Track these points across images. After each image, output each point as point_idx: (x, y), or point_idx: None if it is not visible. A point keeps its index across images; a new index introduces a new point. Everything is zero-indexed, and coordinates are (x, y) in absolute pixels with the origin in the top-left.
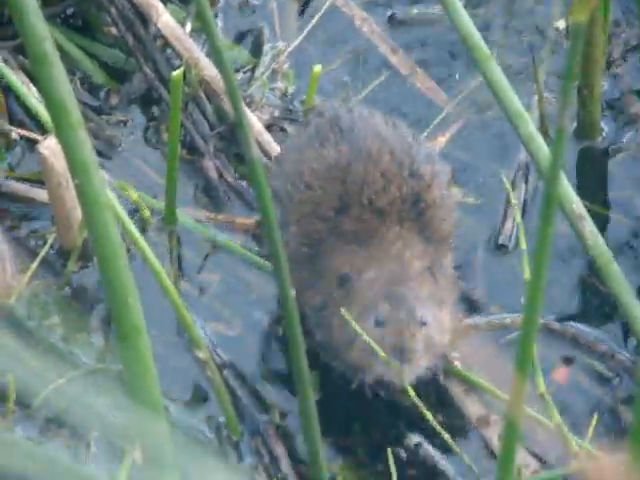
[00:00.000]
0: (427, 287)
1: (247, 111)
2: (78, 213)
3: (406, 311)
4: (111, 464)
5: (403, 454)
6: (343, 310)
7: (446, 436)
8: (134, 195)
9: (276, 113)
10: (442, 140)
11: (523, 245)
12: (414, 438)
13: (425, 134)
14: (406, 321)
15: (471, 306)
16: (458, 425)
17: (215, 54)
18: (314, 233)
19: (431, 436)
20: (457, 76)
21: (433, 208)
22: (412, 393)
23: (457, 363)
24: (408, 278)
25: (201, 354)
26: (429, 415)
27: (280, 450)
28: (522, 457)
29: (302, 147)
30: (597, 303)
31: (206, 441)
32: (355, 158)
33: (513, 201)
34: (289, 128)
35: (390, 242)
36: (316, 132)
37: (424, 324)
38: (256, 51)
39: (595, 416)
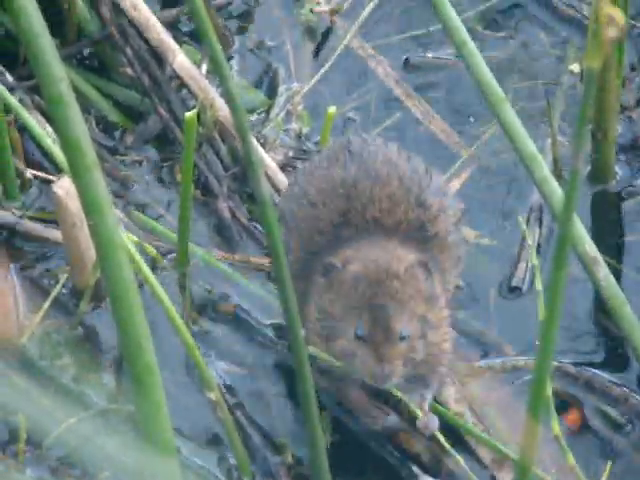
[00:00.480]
0: (415, 284)
1: (261, 151)
2: (92, 253)
3: (385, 329)
4: None
5: None
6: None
7: (462, 478)
8: (148, 248)
9: (290, 154)
10: (456, 183)
11: (539, 286)
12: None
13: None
14: (384, 339)
15: (485, 348)
16: (472, 468)
17: (227, 94)
18: (312, 245)
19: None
20: (471, 119)
21: (437, 241)
22: (442, 440)
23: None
24: (395, 274)
25: (212, 395)
26: (460, 461)
27: None
28: None
29: (312, 169)
30: (611, 347)
31: None
32: (362, 177)
33: (529, 242)
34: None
35: (386, 241)
36: (327, 156)
37: (403, 338)
38: (271, 92)
39: (609, 462)
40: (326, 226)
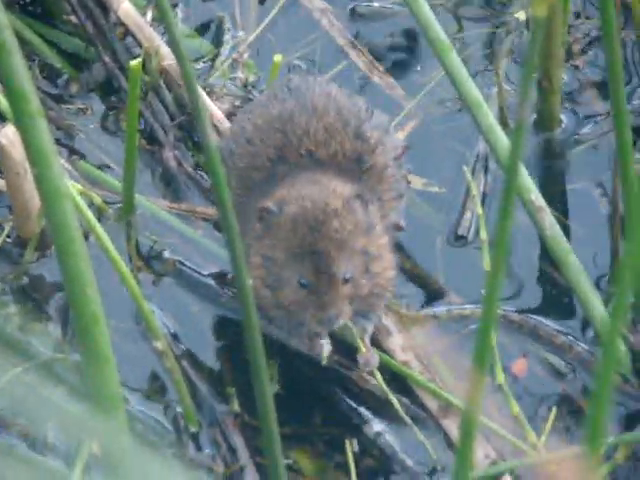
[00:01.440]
0: (354, 219)
1: (207, 100)
2: (36, 202)
3: (328, 276)
4: (68, 455)
5: (363, 443)
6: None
7: (408, 425)
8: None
9: (236, 102)
10: (401, 134)
11: (483, 236)
12: (374, 427)
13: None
14: (328, 286)
15: (431, 296)
16: (417, 415)
17: (172, 42)
18: (249, 181)
19: (391, 426)
20: (418, 67)
21: (374, 173)
22: (379, 377)
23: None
24: (334, 212)
25: (159, 344)
26: (394, 400)
27: (238, 440)
28: (481, 448)
29: (251, 108)
30: (556, 295)
31: (164, 431)
32: (299, 111)
33: (473, 192)
34: None
35: (320, 175)
36: (267, 95)
37: (347, 280)
38: (217, 41)
39: (553, 408)
40: (262, 162)
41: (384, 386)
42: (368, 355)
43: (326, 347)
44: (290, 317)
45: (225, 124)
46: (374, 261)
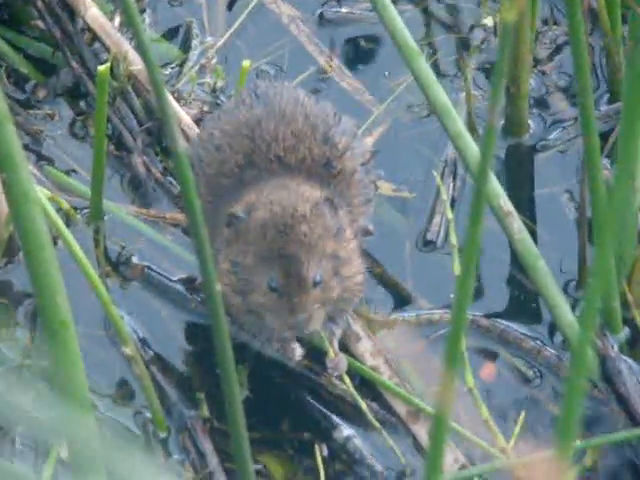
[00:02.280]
0: (322, 223)
1: (175, 105)
2: (4, 207)
3: (298, 279)
4: (36, 460)
5: (332, 448)
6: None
7: (378, 430)
8: (61, 202)
9: (205, 108)
10: (369, 140)
11: (454, 240)
12: (344, 432)
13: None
14: (298, 290)
15: (400, 301)
16: (387, 420)
17: (140, 48)
18: (218, 188)
19: (360, 431)
20: (386, 73)
21: (343, 178)
22: (348, 382)
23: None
24: (302, 216)
25: (128, 350)
26: (363, 405)
27: (207, 446)
28: (450, 452)
29: (219, 114)
30: (524, 300)
31: (133, 437)
32: (267, 116)
33: (443, 197)
34: None
35: (288, 180)
36: (235, 100)
37: (317, 284)
38: (185, 46)
39: (523, 414)
40: (231, 169)
41: (353, 391)
42: (337, 360)
43: (298, 350)
44: (260, 322)
45: (193, 129)
46: (344, 265)
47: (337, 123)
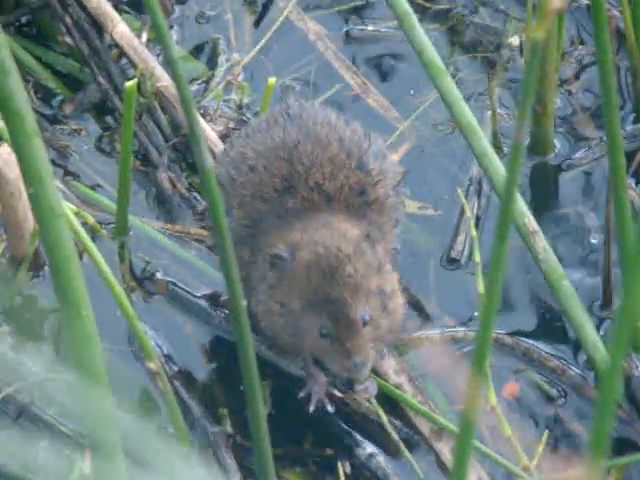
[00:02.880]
0: (364, 260)
1: (201, 122)
2: (30, 222)
3: (347, 323)
4: (60, 474)
5: (355, 465)
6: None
7: (401, 447)
8: (87, 217)
9: (230, 124)
10: (395, 156)
11: (477, 258)
12: (367, 449)
13: None
14: (349, 333)
15: (424, 318)
16: (410, 438)
17: (169, 64)
18: (256, 213)
19: (383, 448)
20: (412, 92)
21: (377, 205)
22: (374, 401)
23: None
24: (346, 257)
25: (152, 365)
26: (386, 422)
27: (230, 461)
28: (474, 471)
29: (249, 133)
30: (549, 319)
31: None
32: (303, 140)
33: (468, 214)
34: None
35: (330, 216)
36: (265, 119)
37: (366, 323)
38: (211, 63)
39: (546, 432)
40: (269, 193)
41: (377, 408)
42: (367, 383)
43: (371, 387)
44: (316, 362)
45: (219, 146)
46: (390, 299)
47: (369, 146)
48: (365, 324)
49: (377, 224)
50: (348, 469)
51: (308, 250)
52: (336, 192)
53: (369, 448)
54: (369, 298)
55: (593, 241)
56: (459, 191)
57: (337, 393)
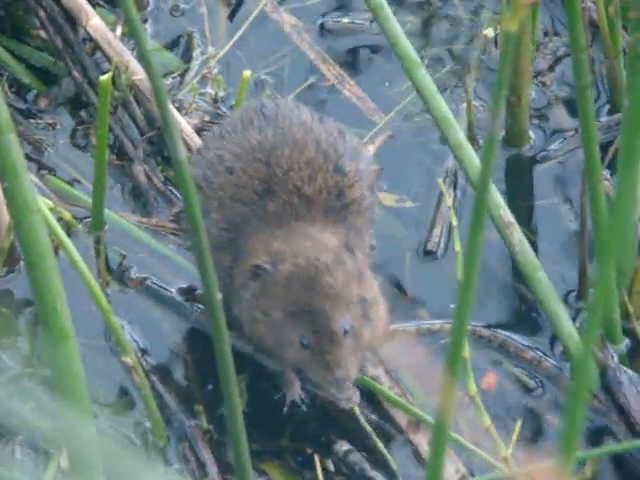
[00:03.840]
0: (344, 269)
1: (177, 115)
2: (4, 217)
3: (328, 334)
4: (37, 469)
5: (332, 461)
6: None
7: (377, 442)
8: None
9: (206, 118)
10: (372, 148)
11: (458, 247)
12: (344, 445)
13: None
14: (330, 344)
15: (400, 311)
16: (387, 431)
17: (142, 57)
18: (235, 217)
19: (361, 443)
20: (387, 84)
21: (354, 207)
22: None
23: (382, 369)
24: (326, 268)
25: (128, 359)
26: (360, 416)
27: (207, 455)
28: (451, 462)
29: (223, 133)
30: (525, 310)
31: (133, 447)
32: (280, 142)
33: (448, 204)
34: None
35: (309, 225)
36: (240, 119)
37: (347, 332)
38: (186, 56)
39: (520, 421)
40: (249, 195)
41: (363, 421)
42: (350, 392)
43: (355, 396)
44: (299, 372)
45: (195, 139)
46: (371, 307)
47: (344, 147)
48: (346, 333)
49: (355, 226)
50: (327, 465)
51: (289, 261)
52: (315, 195)
53: (346, 443)
54: (350, 308)
55: (568, 232)
56: (439, 181)
57: (313, 390)
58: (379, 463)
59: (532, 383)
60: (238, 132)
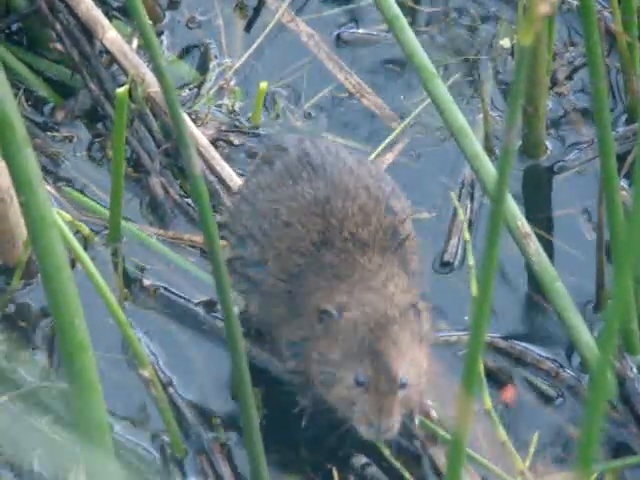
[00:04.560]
0: (410, 327)
1: (192, 127)
2: (22, 230)
3: (387, 377)
4: None
5: (349, 472)
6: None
7: (393, 454)
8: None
9: (222, 128)
10: (389, 157)
11: (471, 261)
12: (361, 459)
13: (374, 152)
14: (387, 388)
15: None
16: (405, 444)
17: (156, 71)
18: (293, 268)
19: (378, 457)
20: (402, 96)
21: (408, 241)
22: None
23: (433, 412)
24: (393, 319)
25: (145, 372)
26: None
27: (225, 468)
28: (468, 476)
29: (273, 185)
30: (542, 321)
31: (150, 460)
32: (333, 194)
33: (460, 217)
34: (236, 141)
35: (373, 274)
36: (286, 170)
37: (403, 385)
38: (203, 68)
39: (537, 434)
40: (306, 246)
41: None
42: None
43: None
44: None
45: (210, 151)
46: (423, 372)
47: (391, 187)
48: (402, 386)
49: (406, 260)
50: (344, 477)
51: (356, 310)
52: (370, 238)
53: (364, 455)
54: (410, 365)
55: (586, 243)
56: (452, 194)
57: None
58: (396, 476)
59: (552, 393)
60: (289, 186)
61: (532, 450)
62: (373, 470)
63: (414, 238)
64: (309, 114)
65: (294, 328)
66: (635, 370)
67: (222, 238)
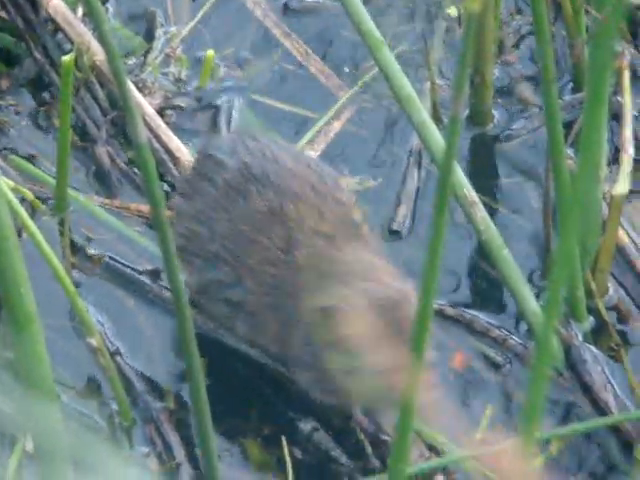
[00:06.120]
0: (390, 275)
1: (139, 96)
2: None
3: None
4: (2, 453)
5: (298, 440)
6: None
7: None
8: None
9: (169, 97)
10: (336, 125)
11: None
12: (309, 423)
13: (321, 120)
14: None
15: None
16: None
17: (101, 38)
18: (269, 279)
19: (326, 422)
20: (350, 65)
21: (365, 226)
22: None
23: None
24: (398, 299)
25: (93, 340)
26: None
27: (173, 437)
28: (415, 446)
29: (224, 204)
30: (490, 289)
31: (98, 429)
32: (284, 199)
33: (409, 186)
34: (183, 104)
35: (352, 263)
36: (230, 186)
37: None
38: (149, 36)
39: (489, 406)
40: (276, 255)
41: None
42: (364, 421)
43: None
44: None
45: (156, 120)
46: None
47: (333, 180)
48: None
49: (373, 246)
50: (298, 447)
51: (359, 298)
52: (331, 230)
53: (312, 422)
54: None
55: (533, 211)
56: (402, 161)
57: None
58: (345, 442)
59: (499, 361)
60: (241, 203)
61: (485, 422)
62: (322, 434)
63: (365, 220)
64: (255, 82)
65: (295, 340)
66: (580, 337)
67: (183, 261)
